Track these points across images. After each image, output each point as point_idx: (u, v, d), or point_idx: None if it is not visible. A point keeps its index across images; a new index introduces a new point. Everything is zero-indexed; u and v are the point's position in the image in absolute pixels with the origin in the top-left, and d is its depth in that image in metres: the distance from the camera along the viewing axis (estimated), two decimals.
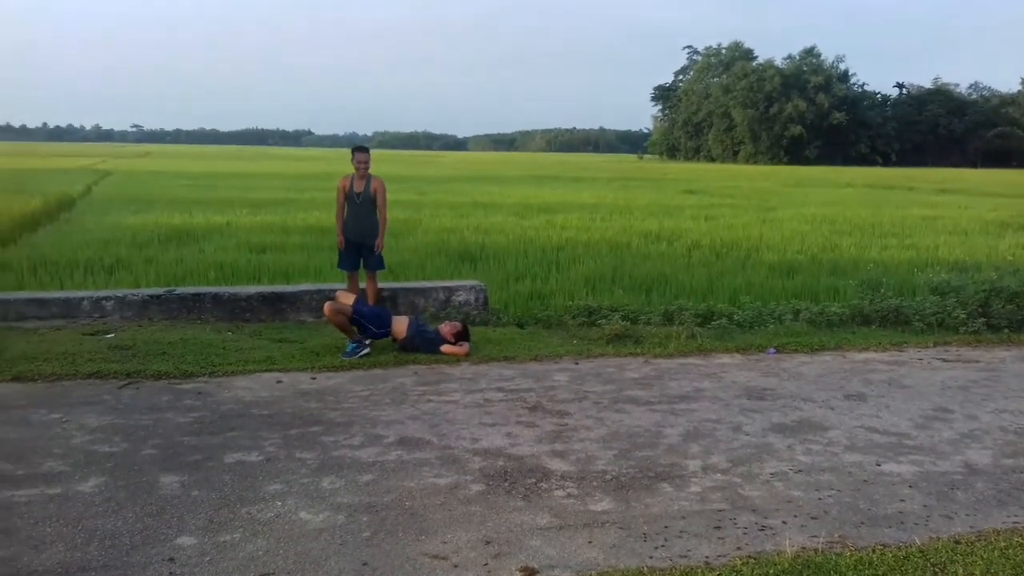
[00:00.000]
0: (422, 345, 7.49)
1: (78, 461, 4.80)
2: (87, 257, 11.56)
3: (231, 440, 5.20)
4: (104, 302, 8.49)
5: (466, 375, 6.83)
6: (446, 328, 7.66)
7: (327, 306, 7.45)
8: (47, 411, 5.66)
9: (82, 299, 8.50)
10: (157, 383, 6.40)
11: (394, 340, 7.56)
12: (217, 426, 5.45)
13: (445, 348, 7.46)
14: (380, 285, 8.87)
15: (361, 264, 8.58)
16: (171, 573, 3.59)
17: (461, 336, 7.63)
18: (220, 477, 4.62)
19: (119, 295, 8.63)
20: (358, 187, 8.51)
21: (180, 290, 8.93)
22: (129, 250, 12.46)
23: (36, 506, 4.19)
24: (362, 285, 8.67)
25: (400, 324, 7.61)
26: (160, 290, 8.93)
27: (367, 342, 7.43)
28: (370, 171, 8.63)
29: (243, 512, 4.19)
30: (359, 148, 8.71)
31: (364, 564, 3.71)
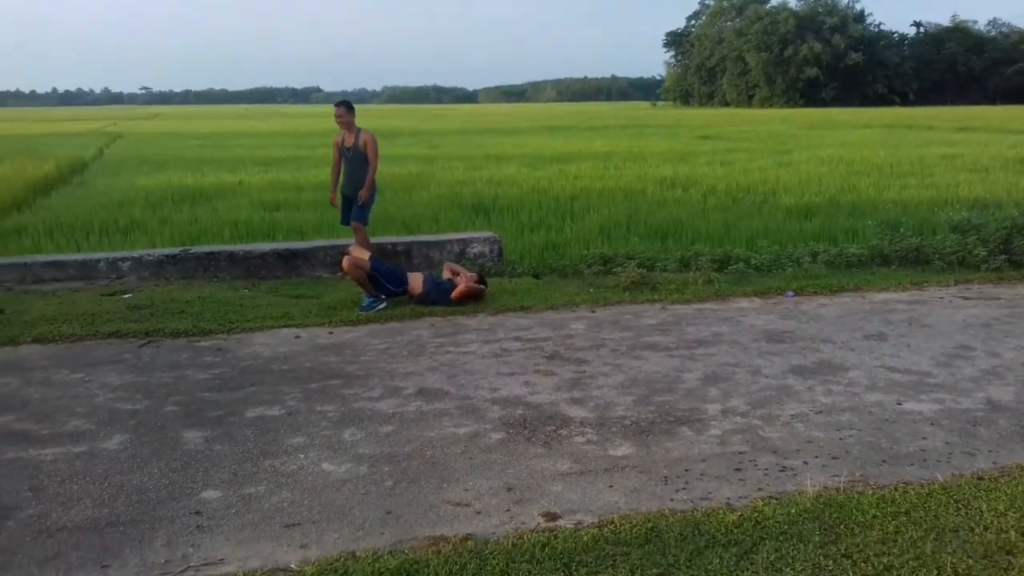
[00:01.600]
0: (439, 298, 7.48)
1: (102, 419, 4.85)
2: (102, 219, 11.59)
3: (252, 395, 5.24)
4: (120, 263, 8.52)
5: (483, 326, 6.83)
6: (465, 278, 7.65)
7: (345, 260, 7.44)
8: (69, 371, 5.71)
9: (99, 260, 8.54)
10: (176, 341, 6.44)
11: (410, 296, 7.55)
12: (237, 382, 5.49)
13: (455, 293, 7.44)
14: (393, 240, 8.85)
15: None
16: (198, 526, 3.63)
17: (472, 294, 7.62)
18: (242, 431, 4.66)
19: (135, 255, 8.66)
20: (348, 141, 8.51)
21: (195, 249, 8.95)
22: (143, 211, 12.48)
23: (62, 464, 4.25)
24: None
25: (416, 280, 7.59)
26: (175, 250, 8.95)
27: (383, 297, 7.43)
28: (358, 124, 8.56)
29: (266, 465, 4.23)
30: (338, 103, 8.64)
31: (388, 512, 3.74)
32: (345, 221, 8.69)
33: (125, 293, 7.87)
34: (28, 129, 44.65)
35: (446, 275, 7.81)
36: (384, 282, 7.44)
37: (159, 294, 7.83)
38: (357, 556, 3.36)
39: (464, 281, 7.61)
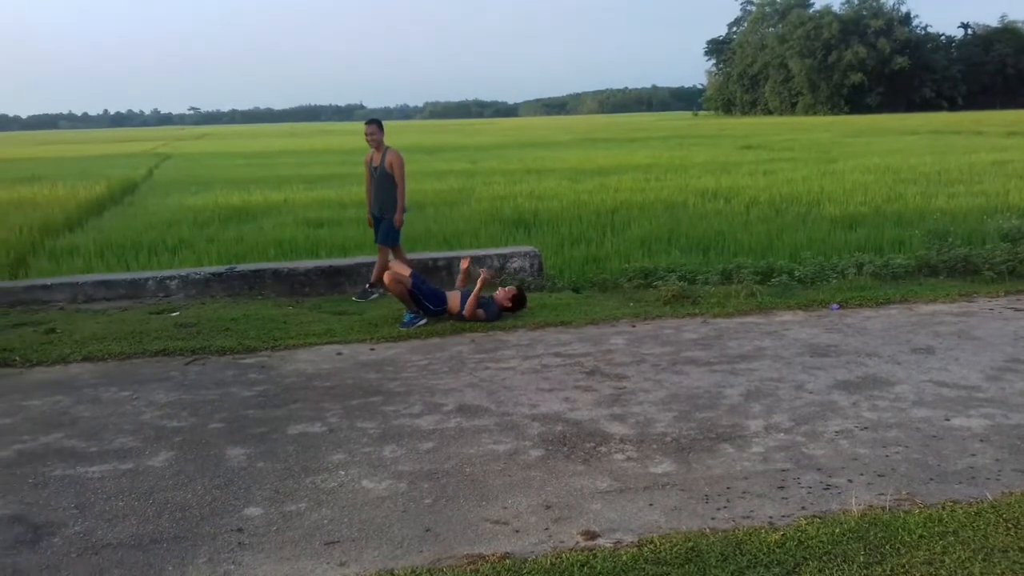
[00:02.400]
0: (489, 317, 7.48)
1: (148, 436, 4.94)
2: (151, 239, 11.85)
3: (294, 412, 5.30)
4: (168, 281, 8.70)
5: (523, 341, 6.83)
6: (501, 294, 7.67)
7: (386, 275, 7.49)
8: (118, 389, 5.84)
9: (147, 279, 8.73)
10: (221, 358, 6.55)
11: (450, 315, 7.56)
12: (280, 399, 5.56)
13: (467, 312, 7.47)
14: (434, 255, 8.90)
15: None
16: (240, 543, 3.68)
17: (517, 301, 7.63)
18: (284, 448, 4.71)
19: (182, 274, 8.83)
20: (376, 160, 8.54)
21: (241, 267, 9.10)
22: (191, 230, 12.73)
23: (109, 481, 4.34)
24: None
25: (454, 298, 7.61)
26: (222, 268, 9.11)
27: (424, 319, 7.47)
28: (385, 143, 8.57)
29: (307, 482, 4.28)
30: (369, 121, 8.67)
31: (427, 530, 3.75)
32: (377, 240, 8.72)
33: (173, 311, 8.03)
34: (81, 151, 45.88)
35: (461, 283, 7.81)
36: (424, 300, 7.47)
37: (205, 312, 7.98)
38: (395, 574, 3.37)
39: (504, 296, 7.63)
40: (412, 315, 7.42)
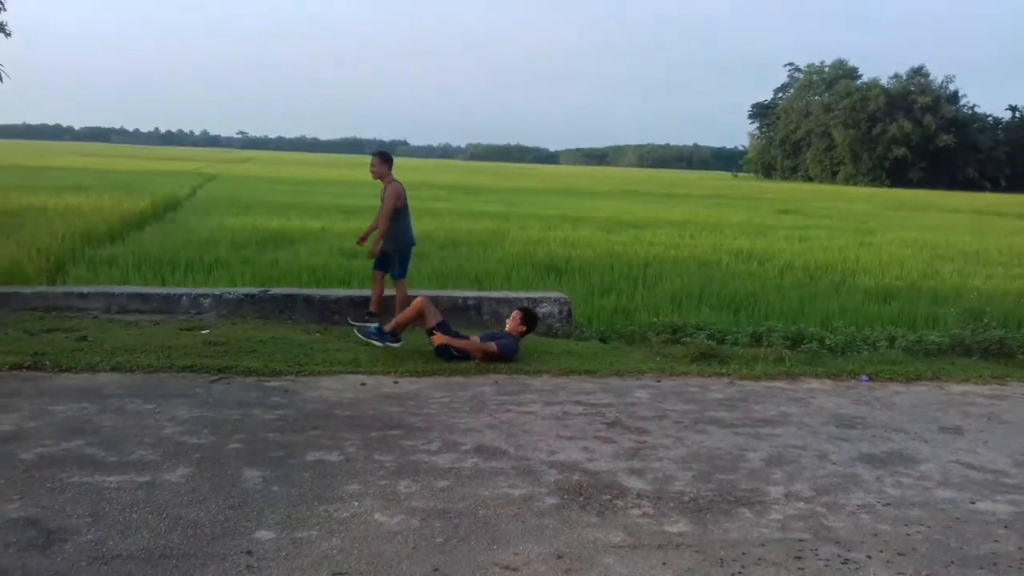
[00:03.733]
0: (503, 351, 7.48)
1: (167, 451, 4.97)
2: (188, 256, 12.03)
3: (313, 439, 5.31)
4: (202, 299, 8.82)
5: (546, 387, 6.81)
6: (511, 325, 7.73)
7: (422, 298, 7.61)
8: (142, 401, 5.90)
9: (181, 296, 8.85)
10: (247, 379, 6.59)
11: (471, 357, 7.54)
12: (301, 424, 5.58)
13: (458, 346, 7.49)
14: (464, 294, 8.93)
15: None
16: (248, 566, 3.67)
17: (529, 321, 7.72)
18: (300, 474, 4.72)
19: (216, 293, 8.95)
20: (381, 191, 8.60)
21: (274, 290, 9.21)
22: (228, 251, 12.92)
23: (125, 492, 4.36)
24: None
25: (473, 344, 7.59)
26: (255, 290, 9.22)
27: (392, 343, 7.56)
28: (392, 176, 8.64)
29: (320, 510, 4.27)
30: (375, 153, 8.83)
31: (435, 570, 3.73)
32: (376, 266, 8.72)
33: (203, 329, 8.12)
34: (129, 165, 46.91)
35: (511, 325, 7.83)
36: (452, 350, 7.46)
37: (235, 332, 8.06)
38: None
39: (514, 325, 7.68)
40: (378, 330, 7.46)
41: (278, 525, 4.08)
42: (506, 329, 7.78)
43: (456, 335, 7.63)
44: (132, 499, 4.28)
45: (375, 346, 7.48)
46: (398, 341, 7.64)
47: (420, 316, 7.60)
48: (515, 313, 7.85)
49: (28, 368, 6.54)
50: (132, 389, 6.18)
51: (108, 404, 5.79)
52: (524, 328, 7.74)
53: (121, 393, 6.07)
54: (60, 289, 9.06)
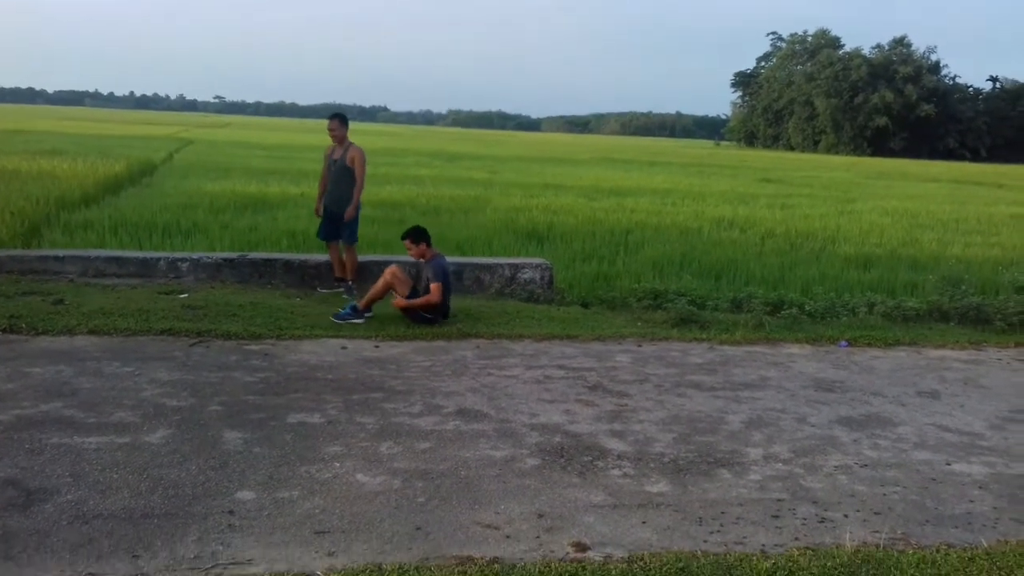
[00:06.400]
0: (445, 279, 7.50)
1: (147, 413, 4.94)
2: (165, 220, 11.89)
3: (294, 401, 5.30)
4: (180, 263, 8.73)
5: (528, 351, 6.82)
6: (414, 255, 7.67)
7: (391, 269, 7.51)
8: (120, 364, 5.85)
9: (159, 259, 8.76)
10: (226, 343, 6.55)
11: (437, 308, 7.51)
12: (282, 387, 5.56)
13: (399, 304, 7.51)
14: (451, 259, 8.88)
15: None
16: (230, 525, 3.67)
17: (415, 237, 7.57)
18: (282, 436, 4.71)
19: (194, 257, 8.85)
20: (335, 154, 8.56)
21: (253, 255, 9.13)
22: (206, 215, 12.77)
23: (105, 453, 4.34)
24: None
25: (431, 297, 7.49)
26: (234, 254, 9.13)
27: (367, 315, 7.49)
28: (349, 139, 8.61)
29: (302, 471, 4.27)
30: (331, 116, 8.72)
31: (417, 528, 3.74)
32: (323, 235, 8.68)
33: (181, 293, 8.05)
34: (104, 130, 46.16)
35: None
36: (421, 312, 7.44)
37: (214, 296, 7.99)
38: (383, 568, 3.36)
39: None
40: (351, 310, 7.42)
41: (260, 486, 4.07)
42: (415, 258, 7.75)
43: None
44: (112, 460, 4.26)
45: (356, 323, 7.38)
46: (370, 313, 7.56)
47: (390, 288, 7.52)
48: (406, 243, 7.65)
49: (3, 331, 6.45)
50: (110, 352, 6.13)
51: (86, 367, 5.74)
52: (422, 244, 7.57)
53: (99, 356, 6.01)
54: (35, 252, 8.92)
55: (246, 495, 3.97)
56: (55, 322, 6.70)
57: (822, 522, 3.99)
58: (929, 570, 3.52)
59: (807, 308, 8.70)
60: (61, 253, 8.77)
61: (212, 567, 3.34)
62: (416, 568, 3.38)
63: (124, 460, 4.27)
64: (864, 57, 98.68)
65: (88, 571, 3.25)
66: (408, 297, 7.47)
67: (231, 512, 3.79)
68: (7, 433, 4.52)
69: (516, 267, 9.31)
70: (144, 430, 4.68)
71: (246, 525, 3.68)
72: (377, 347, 6.72)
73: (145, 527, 3.61)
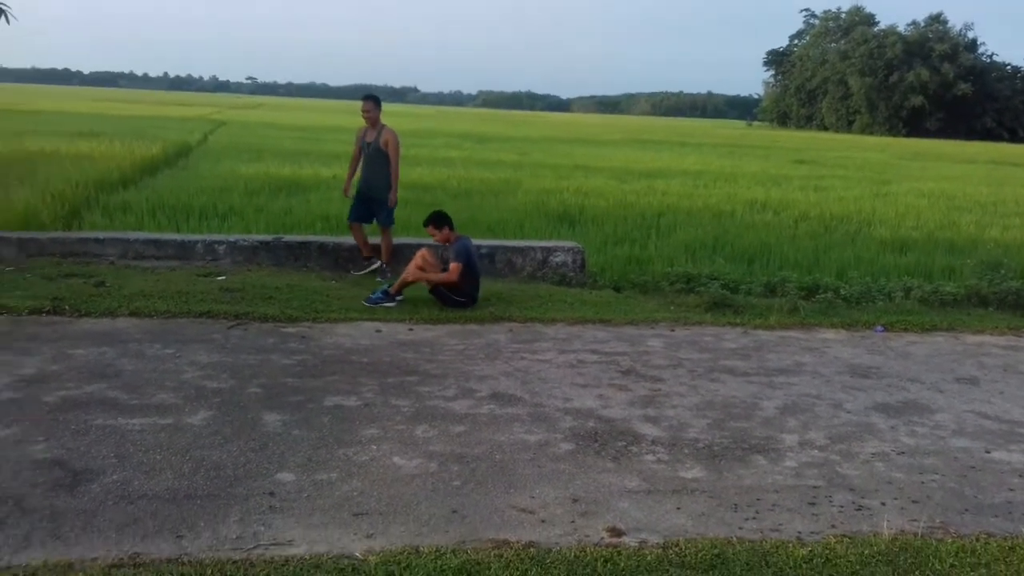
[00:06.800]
0: (468, 260, 7.51)
1: (188, 395, 5.04)
2: (202, 203, 12.01)
3: (331, 384, 5.36)
4: (217, 246, 8.83)
5: (560, 335, 6.84)
6: (439, 239, 7.68)
7: (422, 252, 7.55)
8: (161, 346, 5.95)
9: (196, 242, 8.87)
10: (263, 325, 6.64)
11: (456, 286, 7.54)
12: (318, 370, 5.63)
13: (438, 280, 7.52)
14: (476, 242, 8.90)
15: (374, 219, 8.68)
16: (271, 506, 3.74)
17: (437, 222, 7.60)
18: (319, 418, 4.78)
19: (231, 240, 8.96)
20: (369, 136, 8.57)
21: (288, 238, 9.22)
22: (241, 198, 12.88)
23: (148, 435, 4.43)
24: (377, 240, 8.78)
25: (452, 273, 7.52)
26: (269, 237, 9.23)
27: (399, 298, 7.51)
28: (382, 121, 8.62)
29: (340, 453, 4.33)
30: (365, 97, 8.73)
31: (454, 511, 3.79)
32: (354, 217, 8.70)
33: (219, 275, 8.16)
34: (140, 111, 46.64)
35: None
36: (451, 295, 7.47)
37: (251, 279, 8.09)
38: (420, 551, 3.41)
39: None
40: (382, 293, 7.45)
41: (299, 467, 4.14)
42: (439, 243, 7.78)
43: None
44: (155, 441, 4.35)
45: (389, 307, 7.42)
46: (401, 297, 7.60)
47: (422, 271, 7.54)
48: (429, 229, 7.70)
49: (48, 313, 6.59)
50: (151, 334, 6.23)
51: (128, 348, 5.85)
52: (445, 228, 7.60)
53: (140, 338, 6.12)
54: (76, 235, 9.08)
55: (286, 477, 4.04)
56: (97, 304, 6.83)
57: (859, 510, 3.98)
58: (969, 560, 3.50)
59: (842, 292, 8.62)
60: (101, 236, 8.92)
61: (254, 547, 3.41)
62: (453, 551, 3.42)
63: (167, 441, 4.36)
64: (899, 34, 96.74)
65: (133, 550, 3.34)
66: (439, 283, 7.49)
67: (272, 493, 3.86)
68: (53, 414, 4.63)
69: (548, 250, 9.31)
70: (186, 412, 4.77)
71: (286, 506, 3.75)
72: (411, 330, 6.78)
73: (188, 507, 3.69)
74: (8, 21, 8.40)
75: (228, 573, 3.19)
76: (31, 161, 15.29)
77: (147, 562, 3.25)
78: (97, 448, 4.24)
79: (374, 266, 8.68)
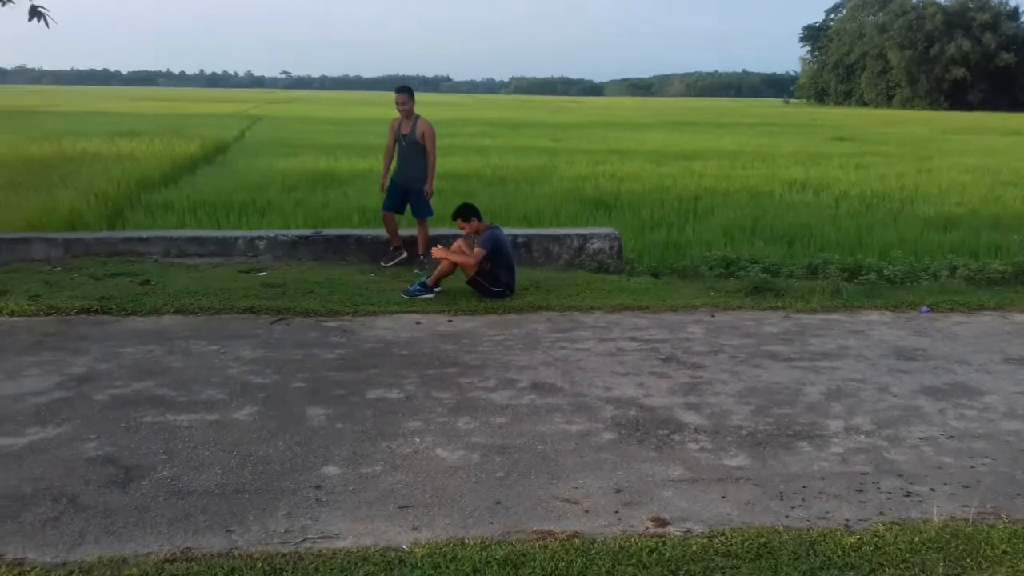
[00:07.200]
0: (493, 245, 7.51)
1: (234, 390, 5.12)
2: (241, 199, 12.17)
3: (373, 377, 5.41)
4: (257, 241, 8.94)
5: (599, 323, 6.82)
6: (468, 230, 7.67)
7: (457, 244, 7.58)
8: (206, 342, 6.05)
9: (237, 238, 8.99)
10: (305, 320, 6.71)
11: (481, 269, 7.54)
12: (360, 363, 5.68)
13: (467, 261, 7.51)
14: (513, 232, 8.90)
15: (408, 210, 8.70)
16: (318, 500, 3.79)
17: (465, 215, 7.63)
18: (363, 412, 4.83)
19: (271, 235, 9.07)
20: (405, 128, 8.57)
21: (326, 232, 9.30)
22: (279, 193, 13.03)
23: (196, 430, 4.51)
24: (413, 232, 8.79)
25: (476, 255, 7.52)
26: (308, 231, 9.32)
27: (437, 290, 7.54)
28: (416, 112, 8.63)
29: (383, 446, 4.37)
30: (399, 89, 8.72)
31: (497, 503, 3.81)
32: (388, 207, 8.70)
33: (260, 271, 8.26)
34: (177, 109, 47.30)
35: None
36: (489, 286, 7.48)
37: (291, 273, 8.18)
38: (465, 543, 3.44)
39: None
40: (420, 286, 7.49)
41: (344, 461, 4.19)
42: (469, 235, 7.74)
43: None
44: (203, 437, 4.43)
45: (427, 298, 7.45)
46: (439, 288, 7.63)
47: (457, 264, 7.55)
48: (458, 223, 7.72)
49: (96, 312, 6.73)
50: (196, 331, 6.34)
51: (175, 346, 5.96)
52: (473, 220, 7.61)
53: (186, 335, 6.23)
54: (121, 234, 9.26)
55: (331, 470, 4.09)
56: (143, 302, 6.96)
57: (908, 496, 3.93)
58: (1021, 545, 3.43)
59: (886, 273, 8.48)
60: (145, 234, 9.08)
61: (302, 541, 3.46)
62: (498, 543, 3.44)
63: (215, 437, 4.43)
64: (939, 5, 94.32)
65: (185, 545, 3.40)
66: (475, 274, 7.49)
67: (318, 487, 3.91)
68: (104, 412, 4.74)
69: (585, 237, 9.28)
70: (232, 407, 4.85)
71: (332, 500, 3.80)
72: (450, 321, 6.81)
73: (237, 502, 3.76)
74: (48, 24, 8.54)
75: (277, 567, 3.24)
76: (74, 162, 15.61)
77: (198, 556, 3.31)
78: (147, 445, 4.32)
79: (401, 257, 8.72)
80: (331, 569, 3.23)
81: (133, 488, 3.87)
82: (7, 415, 4.67)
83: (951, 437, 4.61)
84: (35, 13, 8.48)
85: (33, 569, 3.20)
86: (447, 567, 3.25)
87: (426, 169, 8.58)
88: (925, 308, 7.41)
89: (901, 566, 3.28)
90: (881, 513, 3.75)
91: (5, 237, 8.75)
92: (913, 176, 16.94)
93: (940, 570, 3.26)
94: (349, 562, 3.28)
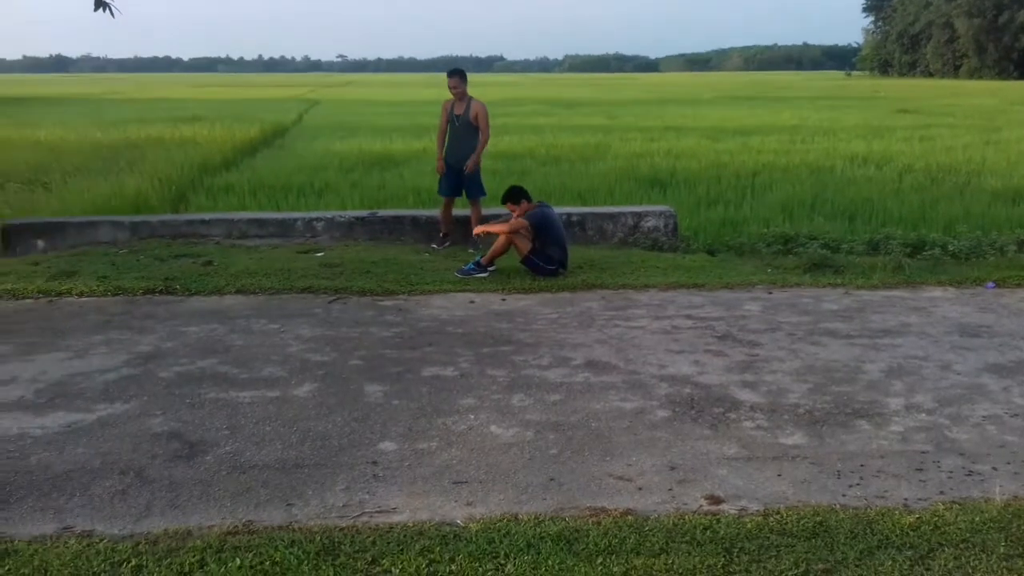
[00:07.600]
0: (535, 220, 7.56)
1: (294, 368, 5.23)
2: (299, 181, 12.37)
3: (428, 355, 5.48)
4: (315, 223, 9.09)
5: (654, 301, 6.78)
6: (518, 213, 7.68)
7: (512, 225, 7.59)
8: (267, 321, 6.19)
9: (296, 220, 9.15)
10: (362, 299, 6.82)
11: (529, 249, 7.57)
12: (416, 341, 5.76)
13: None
14: (568, 210, 8.87)
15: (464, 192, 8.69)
16: (374, 475, 3.87)
17: (513, 197, 7.68)
18: (418, 389, 4.90)
19: (328, 216, 9.20)
20: (458, 110, 8.55)
21: (382, 212, 9.41)
22: (336, 175, 13.20)
23: (258, 407, 4.63)
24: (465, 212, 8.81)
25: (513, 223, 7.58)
26: (365, 212, 9.44)
27: (491, 269, 7.58)
28: (469, 94, 8.61)
29: (439, 423, 4.44)
30: (451, 72, 8.71)
31: (551, 479, 3.84)
32: (444, 191, 8.73)
33: (318, 251, 8.40)
34: (237, 94, 48.13)
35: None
36: (542, 264, 7.48)
37: (348, 254, 8.30)
38: (519, 518, 3.47)
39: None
40: (474, 265, 7.53)
41: (400, 437, 4.27)
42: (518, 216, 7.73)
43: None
44: (264, 413, 4.55)
45: (481, 278, 7.50)
46: (493, 267, 7.67)
47: (511, 244, 7.56)
48: (507, 207, 7.79)
49: (160, 292, 6.94)
50: (257, 310, 6.49)
51: (236, 324, 6.11)
52: (522, 202, 7.65)
53: (247, 314, 6.38)
54: (184, 217, 9.50)
55: (388, 446, 4.17)
56: (206, 283, 7.15)
57: (969, 475, 3.85)
58: None
59: (950, 248, 8.25)
60: (207, 217, 9.31)
61: (359, 515, 3.54)
62: (551, 519, 3.47)
63: (275, 413, 4.55)
64: None
65: (247, 518, 3.51)
66: (529, 252, 7.49)
67: (375, 463, 3.99)
68: (169, 389, 4.89)
69: (639, 215, 9.22)
70: (292, 384, 4.97)
71: (389, 475, 3.88)
72: (504, 300, 6.84)
73: (297, 476, 3.86)
74: (112, 14, 8.78)
75: (336, 540, 3.32)
76: (139, 147, 16.03)
77: (259, 529, 3.42)
78: (211, 420, 4.46)
79: (445, 246, 8.73)
80: (387, 543, 3.30)
81: (197, 462, 4.00)
82: (77, 392, 4.85)
83: (1016, 416, 4.49)
84: (100, 3, 8.73)
85: (101, 540, 3.33)
86: (501, 542, 3.29)
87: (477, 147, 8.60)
88: (991, 284, 7.20)
89: (961, 546, 3.22)
90: (941, 492, 3.69)
91: (74, 221, 9.05)
92: (980, 148, 16.40)
93: (1001, 550, 3.19)
94: (405, 536, 3.35)
